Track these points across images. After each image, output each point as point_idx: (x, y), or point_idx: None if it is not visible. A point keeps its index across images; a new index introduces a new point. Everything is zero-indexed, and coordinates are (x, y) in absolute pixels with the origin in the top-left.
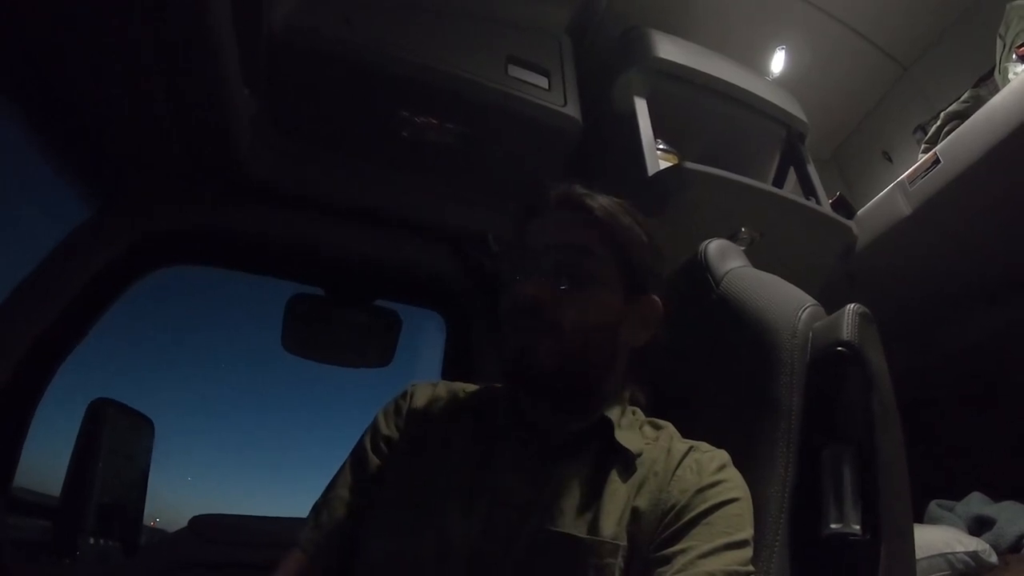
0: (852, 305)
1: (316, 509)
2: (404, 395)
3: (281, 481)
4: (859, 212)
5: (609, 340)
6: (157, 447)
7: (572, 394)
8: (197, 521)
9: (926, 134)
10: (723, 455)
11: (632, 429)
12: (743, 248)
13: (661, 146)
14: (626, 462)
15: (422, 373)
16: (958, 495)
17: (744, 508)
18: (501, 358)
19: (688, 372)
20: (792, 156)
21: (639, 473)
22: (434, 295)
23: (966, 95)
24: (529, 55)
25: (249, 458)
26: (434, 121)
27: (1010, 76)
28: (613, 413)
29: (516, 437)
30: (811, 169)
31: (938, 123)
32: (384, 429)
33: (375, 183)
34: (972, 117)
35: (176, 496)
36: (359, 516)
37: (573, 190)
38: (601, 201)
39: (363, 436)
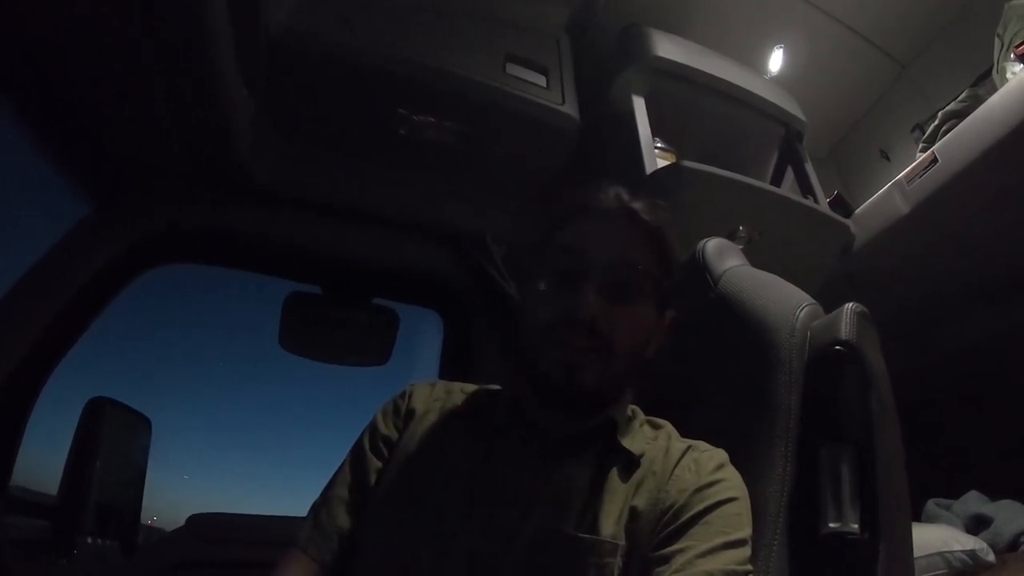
0: (850, 304)
1: (315, 508)
2: (403, 395)
3: (279, 480)
4: (857, 211)
5: (642, 356)
6: (154, 445)
7: (596, 405)
8: (195, 520)
9: (924, 133)
10: (721, 454)
11: (634, 430)
12: (741, 247)
13: (659, 145)
14: (627, 463)
15: (420, 372)
16: (956, 494)
17: (742, 507)
18: (534, 366)
19: (686, 371)
20: (790, 155)
21: (638, 472)
22: (432, 294)
23: (964, 94)
24: (528, 54)
25: (247, 457)
26: (432, 120)
27: (1008, 75)
28: (616, 414)
29: (516, 436)
30: (809, 168)
31: (936, 122)
32: (383, 429)
33: (374, 182)
34: (970, 116)
35: (174, 495)
36: (358, 515)
37: (622, 195)
38: (652, 212)
39: (362, 436)
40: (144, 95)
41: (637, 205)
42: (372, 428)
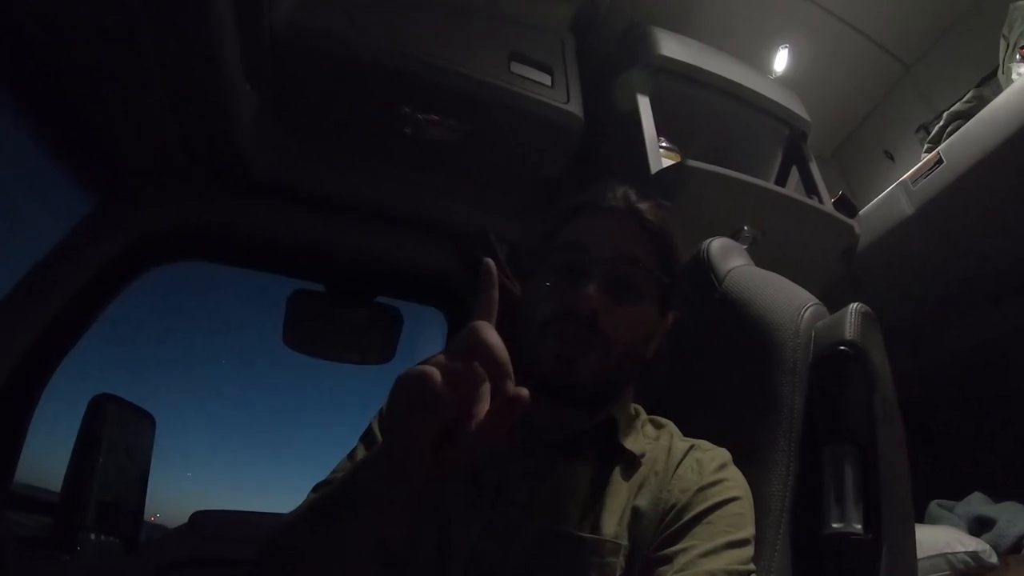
0: (854, 304)
1: None
2: None
3: (282, 477)
4: (861, 211)
5: (641, 356)
6: (158, 442)
7: (593, 402)
8: (198, 517)
9: (929, 134)
10: (724, 454)
11: (635, 430)
12: (745, 247)
13: (664, 144)
14: (629, 462)
15: None
16: (959, 495)
17: (745, 507)
18: (529, 362)
19: (690, 370)
20: (794, 154)
21: (640, 472)
22: (436, 291)
23: (969, 95)
24: (532, 52)
25: (250, 454)
26: (437, 118)
27: (1013, 76)
28: (618, 413)
29: (518, 436)
30: (813, 168)
31: (941, 123)
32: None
33: (377, 180)
34: (975, 117)
35: (177, 492)
36: None
37: (629, 195)
38: (657, 212)
39: (362, 437)
40: (146, 91)
41: (643, 205)
42: (373, 428)
